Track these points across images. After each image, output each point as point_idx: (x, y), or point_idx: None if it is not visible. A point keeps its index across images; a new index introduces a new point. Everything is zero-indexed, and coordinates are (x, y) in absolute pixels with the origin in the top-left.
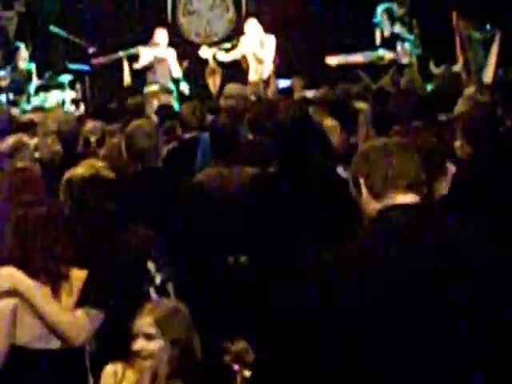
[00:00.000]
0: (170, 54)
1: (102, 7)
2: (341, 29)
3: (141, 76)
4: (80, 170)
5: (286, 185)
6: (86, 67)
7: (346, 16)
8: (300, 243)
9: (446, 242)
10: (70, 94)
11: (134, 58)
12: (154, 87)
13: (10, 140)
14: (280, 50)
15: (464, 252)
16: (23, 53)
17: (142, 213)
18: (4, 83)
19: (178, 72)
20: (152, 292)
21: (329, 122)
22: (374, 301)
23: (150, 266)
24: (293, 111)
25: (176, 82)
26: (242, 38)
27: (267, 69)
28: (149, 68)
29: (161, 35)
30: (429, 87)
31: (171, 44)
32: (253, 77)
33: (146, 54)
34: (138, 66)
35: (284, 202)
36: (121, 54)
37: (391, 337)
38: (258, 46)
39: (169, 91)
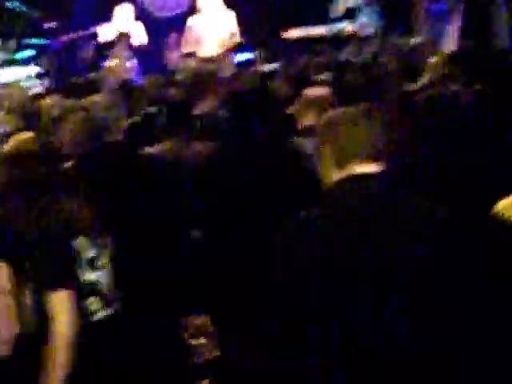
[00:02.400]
0: (135, 28)
1: None
2: (301, 1)
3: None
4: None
5: (242, 158)
6: (47, 42)
7: None
8: (257, 217)
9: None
10: (33, 69)
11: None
12: (113, 62)
13: None
14: (239, 24)
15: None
16: None
17: (101, 187)
18: None
19: (143, 40)
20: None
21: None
22: (312, 273)
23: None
24: (250, 83)
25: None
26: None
27: (225, 43)
28: (112, 43)
29: (123, 10)
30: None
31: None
32: (209, 51)
33: (107, 30)
34: (99, 40)
35: (241, 176)
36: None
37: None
38: (214, 22)
39: (129, 66)
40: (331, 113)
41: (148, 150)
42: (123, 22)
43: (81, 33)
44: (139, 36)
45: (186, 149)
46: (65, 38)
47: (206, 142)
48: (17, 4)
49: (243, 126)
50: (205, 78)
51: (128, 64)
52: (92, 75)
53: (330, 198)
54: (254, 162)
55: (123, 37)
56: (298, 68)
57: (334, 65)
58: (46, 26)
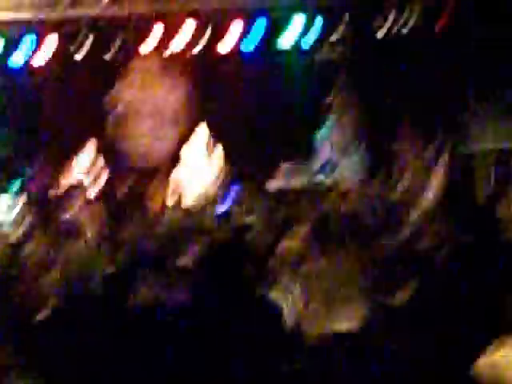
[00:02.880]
0: (90, 177)
1: None
2: (281, 153)
3: None
4: None
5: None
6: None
7: (287, 141)
8: None
9: None
10: (8, 216)
11: None
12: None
13: None
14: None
15: None
16: None
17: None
18: None
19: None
20: None
21: None
22: None
23: None
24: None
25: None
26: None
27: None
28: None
29: (79, 160)
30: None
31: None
32: (189, 202)
33: (56, 181)
34: (50, 193)
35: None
36: None
37: None
38: (195, 173)
39: None
40: (308, 267)
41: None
42: (78, 173)
43: None
44: (93, 187)
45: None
46: None
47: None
48: None
49: (218, 281)
50: (184, 231)
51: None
52: None
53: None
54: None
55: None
56: (277, 220)
57: (312, 218)
58: (26, 172)
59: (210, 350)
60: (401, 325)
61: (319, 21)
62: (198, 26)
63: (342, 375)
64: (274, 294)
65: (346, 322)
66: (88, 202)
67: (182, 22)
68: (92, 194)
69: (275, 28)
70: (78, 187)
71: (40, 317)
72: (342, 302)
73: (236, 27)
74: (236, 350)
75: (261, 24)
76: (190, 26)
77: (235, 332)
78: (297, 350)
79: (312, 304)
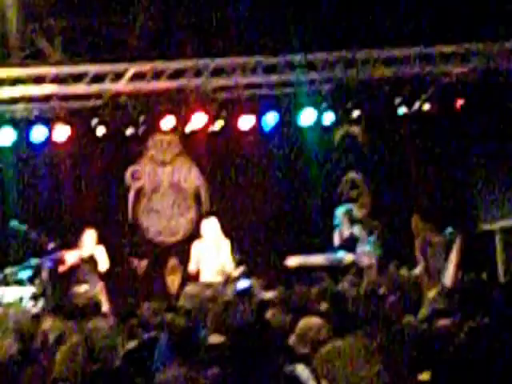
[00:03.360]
0: (98, 253)
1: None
2: (301, 230)
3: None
4: None
5: None
6: (46, 262)
7: (307, 218)
8: None
9: None
10: (29, 290)
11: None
12: (83, 287)
13: None
14: (239, 250)
15: None
16: None
17: None
18: None
19: (104, 266)
20: None
21: None
22: None
23: None
24: (248, 314)
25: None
26: (197, 242)
27: (225, 270)
28: (75, 268)
29: (87, 236)
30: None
31: (132, 243)
32: (209, 277)
33: (70, 256)
34: (62, 268)
35: None
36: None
37: None
38: (213, 249)
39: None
40: (330, 346)
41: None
42: (88, 247)
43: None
44: (102, 261)
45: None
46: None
47: (212, 369)
48: (17, 224)
49: (243, 358)
50: (206, 304)
51: (98, 288)
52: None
53: None
54: None
55: (89, 261)
56: (296, 297)
57: (332, 295)
58: (46, 246)
59: None
60: None
61: (340, 96)
62: (219, 102)
63: None
64: (298, 371)
65: None
66: (102, 276)
67: (204, 97)
68: (104, 267)
69: (296, 104)
70: (91, 260)
71: None
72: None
73: (256, 103)
74: None
75: (281, 101)
76: (210, 102)
77: None
78: None
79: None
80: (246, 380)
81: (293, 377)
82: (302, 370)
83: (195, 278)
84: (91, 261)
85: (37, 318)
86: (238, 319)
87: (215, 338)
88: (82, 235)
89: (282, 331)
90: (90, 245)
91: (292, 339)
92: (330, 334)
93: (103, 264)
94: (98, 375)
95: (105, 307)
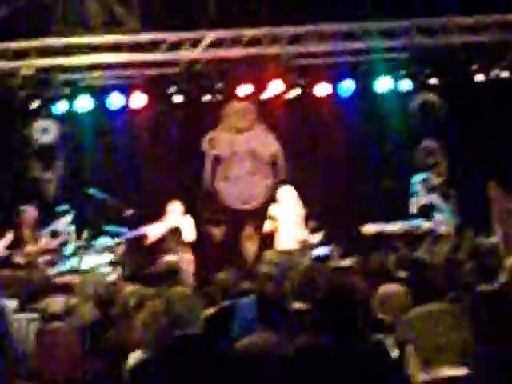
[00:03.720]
0: (185, 223)
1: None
2: (377, 197)
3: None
4: None
5: (332, 357)
6: (124, 230)
7: (383, 185)
8: None
9: None
10: (107, 257)
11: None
12: (171, 257)
13: (59, 301)
14: (316, 218)
15: None
16: (64, 215)
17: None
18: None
19: (191, 236)
20: None
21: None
22: None
23: None
24: (340, 281)
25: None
26: (273, 207)
27: (302, 238)
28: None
29: (173, 206)
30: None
31: (210, 210)
32: (286, 244)
33: (158, 227)
34: (150, 239)
35: (329, 376)
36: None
37: None
38: (291, 214)
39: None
40: (415, 311)
41: (241, 343)
42: (174, 218)
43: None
44: (189, 232)
45: (279, 342)
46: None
47: (294, 337)
48: (95, 191)
49: (328, 324)
50: (285, 270)
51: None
52: (166, 266)
53: None
54: (338, 360)
55: (174, 232)
56: (375, 264)
57: (410, 262)
58: (125, 213)
59: None
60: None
61: (418, 64)
62: (296, 69)
63: None
64: (385, 340)
65: (453, 369)
66: (184, 245)
67: (281, 65)
68: (190, 238)
69: (372, 72)
70: (176, 231)
71: (138, 358)
72: (448, 348)
73: (333, 71)
74: None
75: (358, 68)
76: (287, 69)
77: (346, 375)
78: None
79: (419, 349)
80: (330, 348)
81: (378, 344)
82: (388, 339)
83: (270, 240)
84: (176, 231)
85: (115, 284)
86: (320, 286)
87: (298, 305)
88: (166, 205)
89: (363, 299)
90: (175, 215)
91: (371, 304)
92: (411, 301)
93: (190, 234)
94: (177, 341)
95: (184, 275)
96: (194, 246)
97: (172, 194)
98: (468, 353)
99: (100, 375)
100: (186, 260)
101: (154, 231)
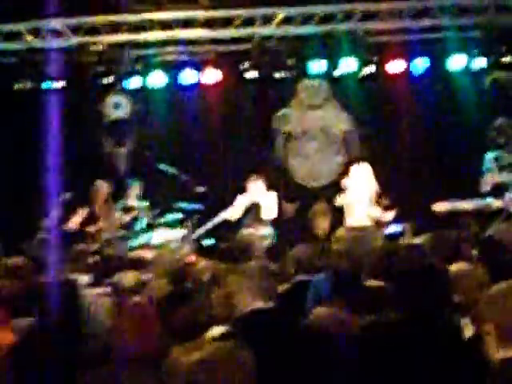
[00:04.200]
0: (268, 200)
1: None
2: (449, 175)
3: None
4: None
5: (403, 336)
6: (195, 206)
7: (455, 163)
8: None
9: None
10: (178, 233)
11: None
12: (248, 231)
13: (131, 276)
14: (388, 195)
15: None
16: (135, 190)
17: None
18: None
19: (273, 214)
20: None
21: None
22: None
23: None
24: (418, 259)
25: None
26: (348, 182)
27: (375, 215)
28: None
29: (257, 183)
30: None
31: (283, 186)
32: (358, 221)
33: (240, 202)
34: (232, 215)
35: (397, 355)
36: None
37: None
38: (364, 191)
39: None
40: (494, 289)
41: (313, 315)
42: (256, 194)
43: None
44: (270, 209)
45: (352, 319)
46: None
47: (367, 315)
48: (167, 167)
49: (408, 304)
50: (359, 247)
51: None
52: (239, 242)
53: (498, 377)
54: (412, 339)
55: (254, 208)
56: (447, 242)
57: (482, 241)
58: (196, 190)
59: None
60: None
61: (492, 42)
62: (369, 46)
63: None
64: (459, 318)
65: None
66: (262, 221)
67: (354, 42)
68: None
69: (446, 49)
70: (256, 207)
71: (211, 333)
72: None
73: (407, 48)
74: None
75: (431, 46)
76: (360, 46)
77: (419, 355)
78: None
79: (499, 327)
80: (399, 325)
81: (450, 322)
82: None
83: (342, 217)
84: (255, 207)
85: (189, 260)
86: (395, 263)
87: (373, 283)
88: (248, 181)
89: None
90: (258, 191)
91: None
92: (485, 279)
93: (271, 211)
94: (251, 316)
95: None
96: (271, 223)
97: (244, 170)
98: None
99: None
100: (262, 236)
101: (232, 213)
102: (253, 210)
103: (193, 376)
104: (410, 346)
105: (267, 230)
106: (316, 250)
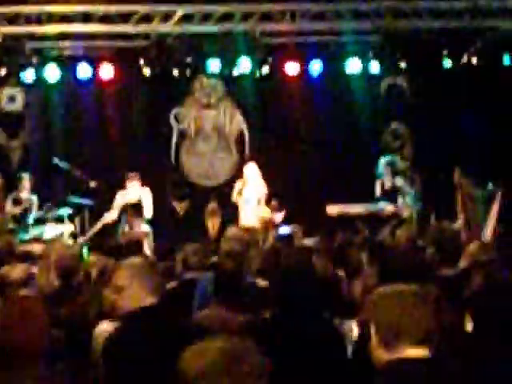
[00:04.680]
0: (144, 197)
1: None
2: (342, 178)
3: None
4: None
5: (279, 333)
6: (86, 201)
7: (349, 167)
8: None
9: None
10: (68, 228)
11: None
12: (126, 228)
13: (20, 269)
14: (279, 197)
15: None
16: (26, 183)
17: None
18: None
19: (149, 213)
20: None
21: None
22: None
23: None
24: (298, 259)
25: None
26: (239, 183)
27: (265, 216)
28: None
29: (132, 180)
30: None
31: (174, 185)
32: (249, 222)
33: (118, 198)
34: (110, 216)
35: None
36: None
37: None
38: (254, 193)
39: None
40: (380, 290)
41: (195, 316)
42: (133, 193)
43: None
44: (148, 207)
45: (232, 318)
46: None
47: (250, 312)
48: (60, 161)
49: (290, 302)
50: (248, 248)
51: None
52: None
53: (382, 379)
54: (297, 339)
55: (134, 207)
56: (336, 245)
57: (372, 245)
58: (91, 185)
59: None
60: None
61: (388, 47)
62: (265, 47)
63: None
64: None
65: (416, 349)
66: (143, 219)
67: (251, 42)
68: (149, 214)
69: (342, 53)
70: (136, 206)
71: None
72: (411, 329)
73: (303, 50)
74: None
75: (328, 49)
76: (257, 47)
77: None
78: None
79: (382, 329)
80: (288, 325)
81: (337, 330)
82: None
83: (234, 217)
84: (136, 205)
85: (78, 254)
86: (283, 263)
87: (259, 282)
88: (126, 178)
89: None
90: (135, 188)
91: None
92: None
93: (148, 210)
94: (139, 312)
95: (146, 248)
96: (156, 220)
97: (137, 167)
98: (431, 334)
99: (62, 345)
100: (145, 233)
101: (111, 216)
102: (134, 208)
103: None
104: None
105: (146, 228)
106: (206, 249)
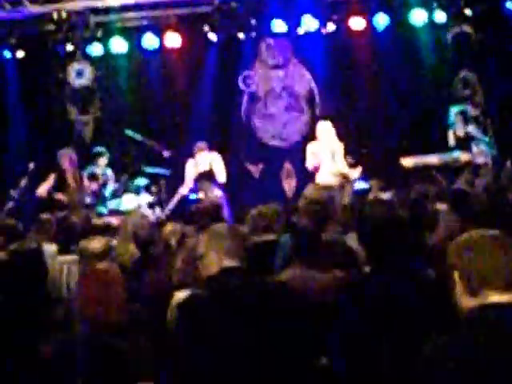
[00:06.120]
0: (216, 163)
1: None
2: (415, 130)
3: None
4: None
5: (374, 289)
6: (162, 171)
7: (420, 118)
8: (381, 349)
9: None
10: (145, 198)
11: None
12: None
13: (98, 242)
14: (354, 152)
15: None
16: (103, 158)
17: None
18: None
19: (222, 177)
20: None
21: None
22: None
23: None
24: (385, 212)
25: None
26: (313, 143)
27: (341, 172)
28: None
29: (201, 151)
30: None
31: (248, 148)
32: (325, 179)
33: (189, 170)
34: (184, 190)
35: (370, 307)
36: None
37: None
38: (328, 151)
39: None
40: (464, 236)
41: (275, 276)
42: (203, 162)
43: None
44: (220, 172)
45: (314, 276)
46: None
47: (337, 270)
48: (132, 132)
49: (376, 255)
50: (328, 205)
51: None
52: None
53: (466, 326)
54: (385, 290)
55: (206, 173)
56: (414, 196)
57: (451, 193)
58: (164, 154)
59: None
60: None
61: None
62: (328, 4)
63: None
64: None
65: (501, 295)
66: (220, 186)
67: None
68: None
69: (406, 4)
70: (209, 174)
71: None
72: (496, 274)
73: (366, 5)
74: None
75: (391, 1)
76: (321, 3)
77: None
78: None
79: (466, 275)
80: (372, 281)
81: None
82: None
83: (310, 176)
84: (209, 173)
85: (159, 223)
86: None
87: (339, 239)
88: (195, 148)
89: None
90: (204, 157)
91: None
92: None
93: (221, 175)
94: (221, 274)
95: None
96: (232, 184)
97: (208, 133)
98: None
99: (141, 316)
100: (220, 199)
101: (185, 188)
102: (203, 177)
103: None
104: (377, 299)
105: (221, 194)
106: (284, 210)
